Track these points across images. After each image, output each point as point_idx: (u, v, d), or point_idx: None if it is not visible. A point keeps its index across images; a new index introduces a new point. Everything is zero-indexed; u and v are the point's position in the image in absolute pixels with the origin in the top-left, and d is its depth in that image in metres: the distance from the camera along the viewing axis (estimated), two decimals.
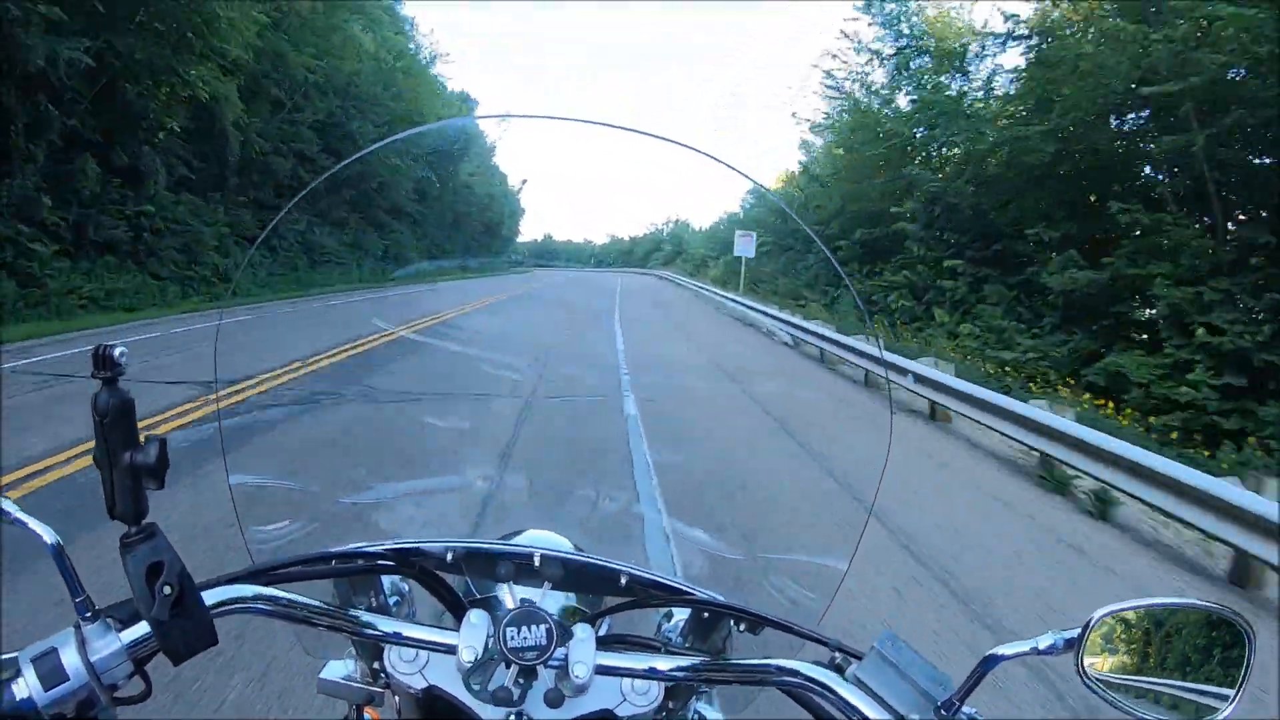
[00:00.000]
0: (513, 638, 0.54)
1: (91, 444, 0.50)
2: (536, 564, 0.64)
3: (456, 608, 0.62)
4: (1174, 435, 7.74)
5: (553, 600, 0.62)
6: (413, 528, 0.85)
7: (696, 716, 0.68)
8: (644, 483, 3.49)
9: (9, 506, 0.51)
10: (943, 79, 16.27)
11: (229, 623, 0.55)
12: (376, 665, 0.63)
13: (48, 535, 0.50)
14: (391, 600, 0.69)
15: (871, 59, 18.36)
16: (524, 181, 58.60)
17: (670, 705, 0.62)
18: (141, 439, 0.51)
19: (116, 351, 0.49)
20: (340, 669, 0.68)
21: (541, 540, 0.78)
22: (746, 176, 0.78)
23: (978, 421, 5.70)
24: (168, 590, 0.48)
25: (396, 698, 0.62)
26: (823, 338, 9.30)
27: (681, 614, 0.72)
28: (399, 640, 0.57)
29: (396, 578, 0.69)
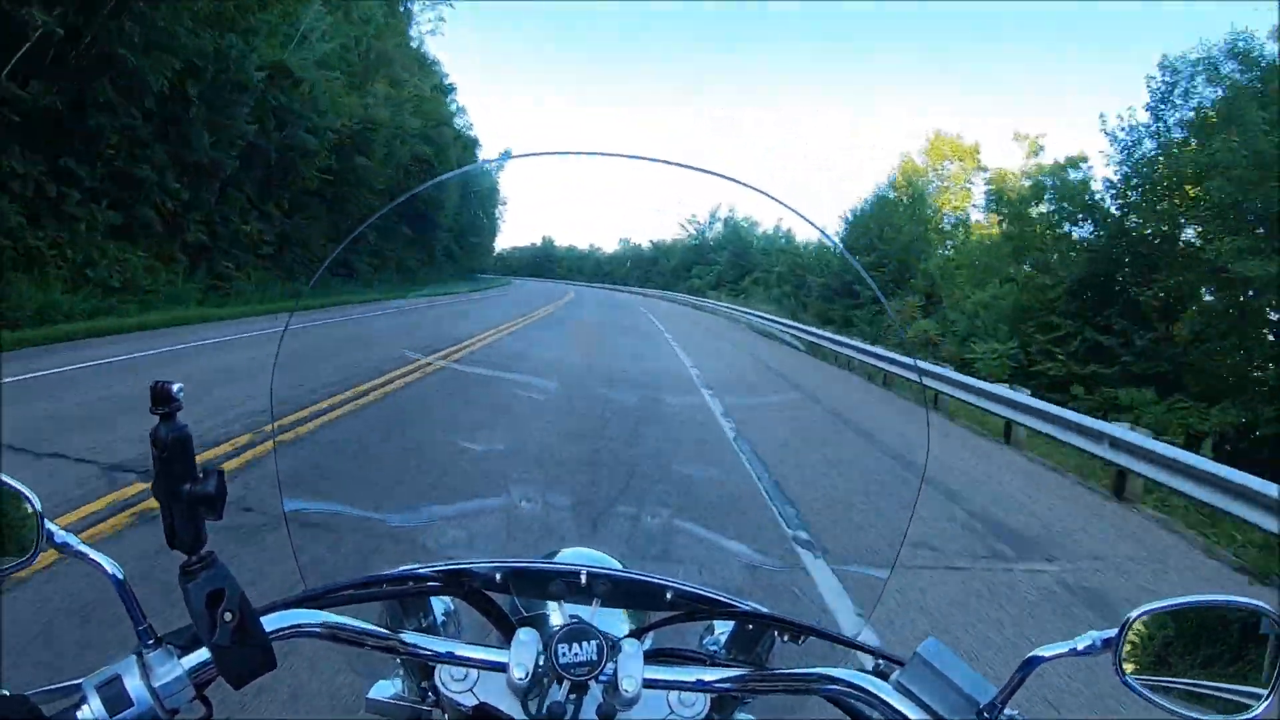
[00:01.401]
0: (564, 654, 0.57)
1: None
2: (583, 582, 0.67)
3: (504, 626, 0.66)
4: None
5: (599, 616, 0.65)
6: (458, 548, 0.88)
7: None
8: None
9: (71, 539, 0.54)
10: None
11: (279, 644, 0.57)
12: (425, 684, 0.66)
13: (109, 566, 0.54)
14: (439, 620, 0.72)
15: None
16: (505, 154, 50.80)
17: (715, 717, 0.64)
18: (200, 472, 0.54)
19: (174, 387, 0.52)
20: (388, 688, 0.72)
21: (584, 557, 0.81)
22: (806, 219, 0.75)
23: None
24: (229, 616, 0.51)
25: (445, 715, 0.65)
26: None
27: (724, 626, 0.75)
28: (451, 659, 0.60)
29: (444, 597, 0.71)
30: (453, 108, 39.33)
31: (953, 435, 8.14)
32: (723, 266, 41.92)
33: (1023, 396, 7.69)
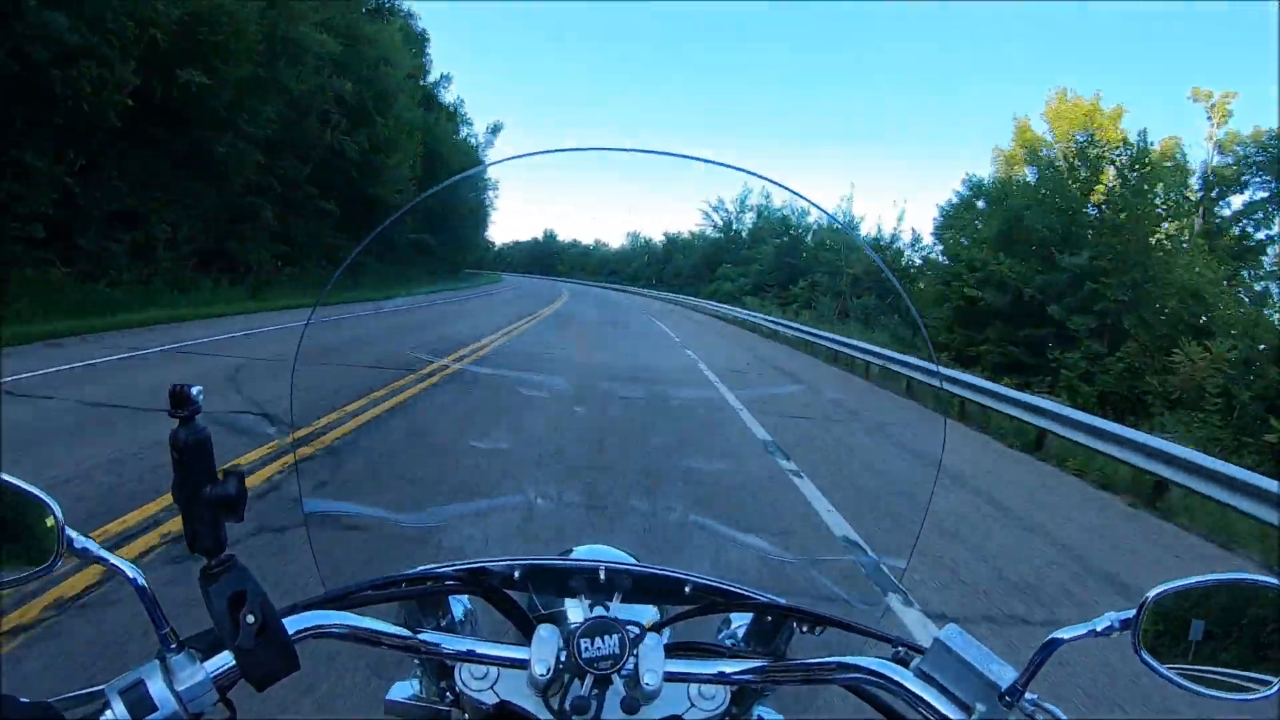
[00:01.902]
0: (587, 649, 0.81)
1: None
2: (602, 577, 0.93)
3: (523, 624, 0.92)
4: None
5: (617, 612, 0.90)
6: (474, 547, 1.14)
7: None
8: None
9: (91, 545, 0.75)
10: None
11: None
12: (444, 684, 0.93)
13: (130, 570, 0.75)
14: (458, 619, 0.99)
15: None
16: (494, 128, 50.90)
17: (734, 710, 0.90)
18: (219, 474, 0.76)
19: (194, 390, 0.73)
20: (406, 689, 1.00)
21: (600, 553, 1.08)
22: (833, 219, 0.92)
23: None
24: (251, 619, 0.71)
25: (465, 715, 0.91)
26: None
27: (741, 619, 1.03)
28: (472, 657, 0.85)
29: (462, 597, 0.97)
30: (433, 75, 40.10)
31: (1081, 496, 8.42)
32: (765, 266, 42.16)
33: (1177, 448, 7.94)
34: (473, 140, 48.05)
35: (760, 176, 1.04)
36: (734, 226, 52.44)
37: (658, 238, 68.44)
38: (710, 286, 44.94)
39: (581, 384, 10.20)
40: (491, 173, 49.06)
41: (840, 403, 12.51)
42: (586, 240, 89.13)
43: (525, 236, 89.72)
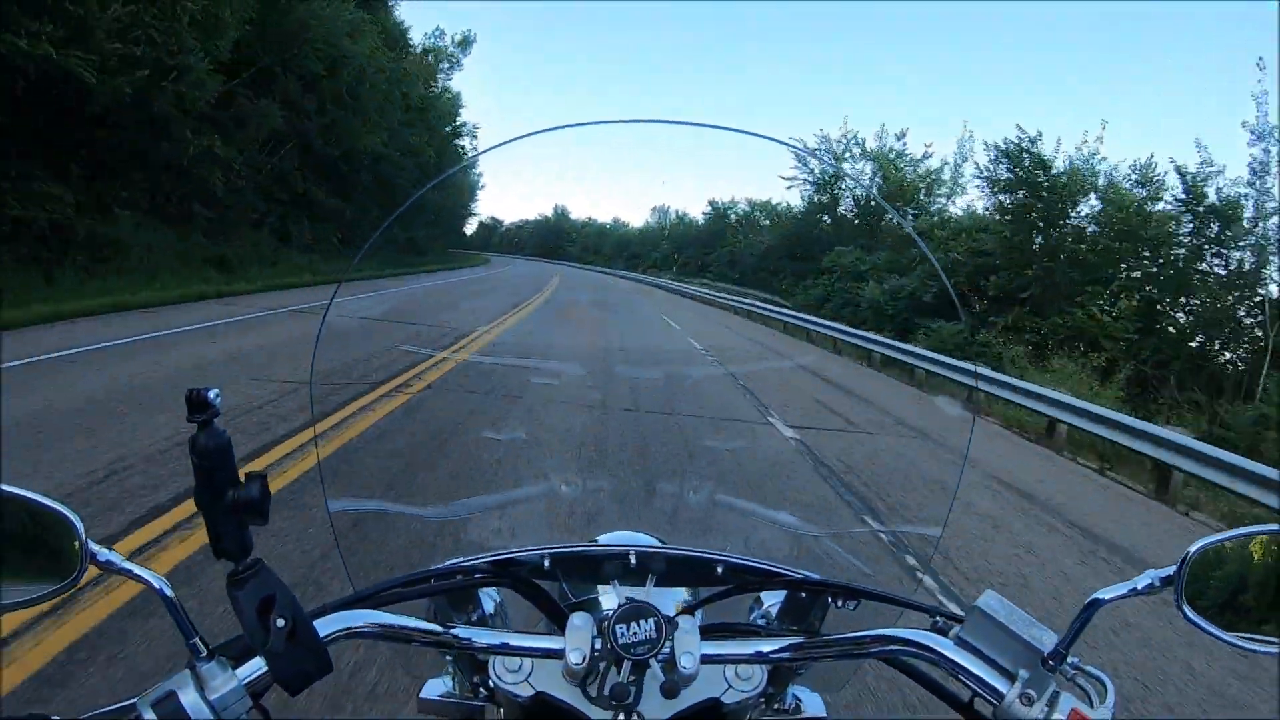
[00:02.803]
0: (623, 634, 0.81)
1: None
2: (633, 562, 0.94)
3: (555, 613, 0.92)
4: None
5: (649, 596, 0.91)
6: (499, 538, 1.16)
7: (794, 700, 0.98)
8: None
9: (114, 558, 0.76)
10: None
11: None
12: (478, 679, 0.94)
13: (155, 581, 0.76)
14: (488, 613, 1.01)
15: None
16: (464, 40, 42.78)
17: (771, 690, 0.91)
18: (241, 476, 0.76)
19: (211, 394, 0.74)
20: (439, 686, 1.02)
21: (630, 539, 1.09)
22: (867, 189, 0.90)
23: None
24: (281, 623, 0.72)
25: (500, 710, 0.92)
26: None
27: (773, 597, 1.04)
28: (506, 650, 0.86)
29: (491, 590, 0.98)
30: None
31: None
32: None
33: None
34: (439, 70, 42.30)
35: (780, 141, 0.98)
36: (839, 181, 32.80)
37: (697, 211, 60.84)
38: (813, 287, 26.82)
39: None
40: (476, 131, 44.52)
41: None
42: (603, 218, 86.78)
43: (534, 215, 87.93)
